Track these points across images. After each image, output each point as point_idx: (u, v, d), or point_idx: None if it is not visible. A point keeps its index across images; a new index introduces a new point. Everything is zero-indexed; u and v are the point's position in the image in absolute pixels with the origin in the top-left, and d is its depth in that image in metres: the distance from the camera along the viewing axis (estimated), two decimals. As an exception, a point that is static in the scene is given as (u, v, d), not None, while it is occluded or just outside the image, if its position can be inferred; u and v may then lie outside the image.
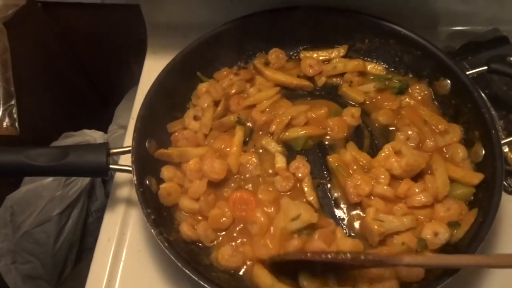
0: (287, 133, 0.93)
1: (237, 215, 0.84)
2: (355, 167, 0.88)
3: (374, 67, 1.02)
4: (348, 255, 0.70)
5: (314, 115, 0.95)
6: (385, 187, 0.83)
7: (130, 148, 0.84)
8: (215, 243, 0.83)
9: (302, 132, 0.92)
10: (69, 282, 1.35)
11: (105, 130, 1.49)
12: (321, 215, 0.83)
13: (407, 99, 0.96)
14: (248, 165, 0.89)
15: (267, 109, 0.96)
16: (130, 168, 0.82)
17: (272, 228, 0.82)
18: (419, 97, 0.96)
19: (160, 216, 0.81)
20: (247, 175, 0.89)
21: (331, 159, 0.89)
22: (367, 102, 0.98)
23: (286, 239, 0.80)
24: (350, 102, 0.98)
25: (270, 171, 0.89)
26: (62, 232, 1.31)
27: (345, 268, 0.74)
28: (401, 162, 0.83)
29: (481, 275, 0.83)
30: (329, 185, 0.88)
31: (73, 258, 1.39)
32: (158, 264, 0.87)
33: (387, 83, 0.98)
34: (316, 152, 0.92)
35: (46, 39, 1.45)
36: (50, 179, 1.27)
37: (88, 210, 1.41)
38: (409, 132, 0.90)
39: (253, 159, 0.89)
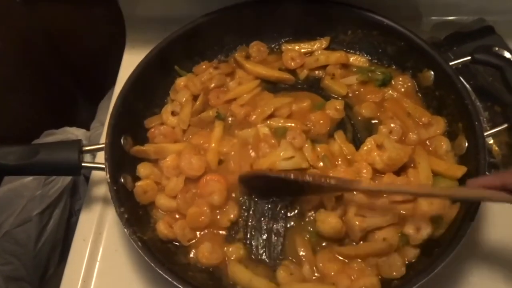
0: (268, 122, 0.90)
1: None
2: (340, 159, 0.85)
3: (357, 59, 1.00)
4: (310, 177, 0.75)
5: (296, 108, 0.93)
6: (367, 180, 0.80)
7: (103, 145, 0.82)
8: (193, 241, 0.81)
9: (285, 124, 0.90)
10: (52, 283, 1.33)
11: (88, 128, 1.47)
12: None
13: (390, 92, 0.94)
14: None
15: (247, 103, 0.94)
16: (104, 166, 0.80)
17: (262, 160, 0.81)
18: (403, 89, 0.94)
19: (135, 215, 0.79)
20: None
21: (319, 148, 0.86)
22: (350, 95, 0.96)
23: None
24: (333, 95, 0.96)
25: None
26: (44, 232, 1.28)
27: (309, 192, 0.78)
28: (383, 156, 0.81)
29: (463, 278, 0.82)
30: None
31: (56, 258, 1.36)
32: (136, 264, 0.84)
33: (370, 75, 0.96)
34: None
35: (26, 36, 1.41)
36: (30, 178, 1.24)
37: (72, 209, 1.38)
38: (392, 125, 0.88)
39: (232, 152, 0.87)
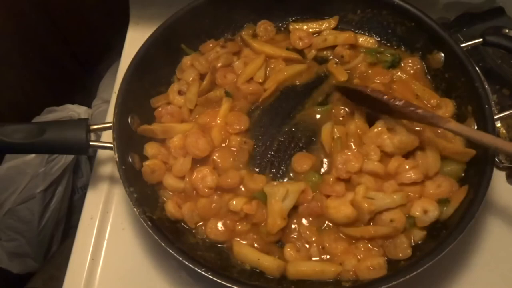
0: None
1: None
2: (353, 140, 0.85)
3: (365, 40, 0.98)
4: (401, 102, 0.79)
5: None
6: (375, 163, 0.80)
7: (111, 124, 0.81)
8: (199, 224, 0.81)
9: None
10: (56, 260, 1.34)
11: (89, 105, 1.45)
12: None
13: (399, 73, 0.93)
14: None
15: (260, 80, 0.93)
16: (112, 145, 0.79)
17: (269, 218, 0.77)
18: (412, 71, 0.93)
19: (143, 194, 0.79)
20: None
21: (336, 129, 0.86)
22: (357, 77, 0.94)
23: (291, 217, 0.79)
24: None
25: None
26: (47, 210, 1.29)
27: (394, 114, 0.81)
28: (394, 139, 0.80)
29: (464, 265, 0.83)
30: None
31: (60, 235, 1.37)
32: (143, 243, 0.85)
33: (378, 56, 0.94)
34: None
35: (25, 11, 1.38)
36: (32, 155, 1.23)
37: (74, 186, 1.39)
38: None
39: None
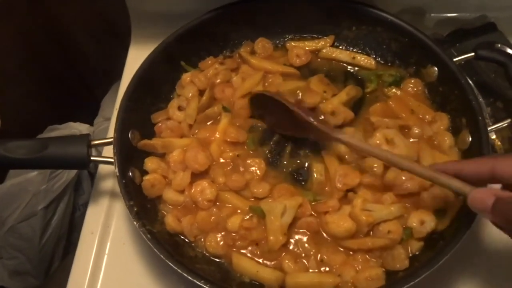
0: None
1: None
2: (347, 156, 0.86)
3: (363, 60, 1.00)
4: (300, 109, 0.83)
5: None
6: (373, 176, 0.81)
7: (112, 139, 0.83)
8: (198, 237, 0.82)
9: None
10: (57, 277, 1.34)
11: (91, 123, 1.47)
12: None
13: (393, 90, 0.95)
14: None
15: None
16: (112, 160, 0.81)
17: (270, 235, 0.78)
18: (412, 92, 0.94)
19: (143, 208, 0.80)
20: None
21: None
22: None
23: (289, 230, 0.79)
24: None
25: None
26: (48, 227, 1.29)
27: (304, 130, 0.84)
28: (393, 152, 0.81)
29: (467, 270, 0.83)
30: (307, 164, 0.88)
31: (61, 252, 1.38)
32: (143, 257, 0.85)
33: (380, 82, 0.96)
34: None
35: (30, 30, 1.42)
36: (34, 172, 1.25)
37: (75, 203, 1.40)
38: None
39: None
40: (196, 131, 0.92)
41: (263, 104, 0.89)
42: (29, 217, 1.26)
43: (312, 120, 0.82)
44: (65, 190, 1.29)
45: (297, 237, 0.80)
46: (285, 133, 0.89)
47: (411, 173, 0.73)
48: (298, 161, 0.88)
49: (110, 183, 0.93)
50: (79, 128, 1.35)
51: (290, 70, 0.99)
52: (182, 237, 0.82)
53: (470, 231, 0.71)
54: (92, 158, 0.81)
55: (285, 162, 0.88)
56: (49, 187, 1.25)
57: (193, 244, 0.81)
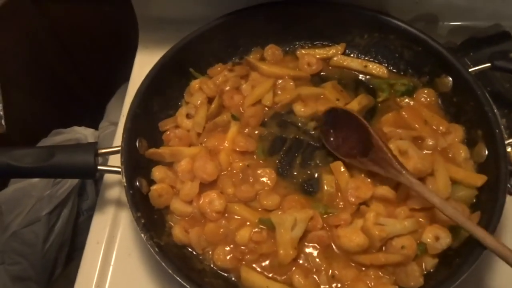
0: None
1: None
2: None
3: (375, 68, 0.98)
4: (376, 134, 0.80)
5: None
6: (386, 188, 0.79)
7: (119, 148, 0.81)
8: (206, 250, 0.80)
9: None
10: (59, 283, 1.32)
11: (96, 127, 1.46)
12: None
13: (406, 100, 0.93)
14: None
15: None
16: (119, 169, 0.79)
17: (280, 249, 0.76)
18: (425, 102, 0.93)
19: (150, 219, 0.78)
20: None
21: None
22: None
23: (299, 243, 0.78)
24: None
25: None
26: (52, 232, 1.27)
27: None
28: (408, 165, 0.79)
29: None
30: (316, 174, 0.86)
31: (64, 258, 1.35)
32: (149, 269, 0.84)
33: (392, 91, 0.94)
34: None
35: (34, 34, 1.40)
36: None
37: (79, 209, 1.38)
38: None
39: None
40: (205, 139, 0.90)
41: (334, 119, 0.87)
42: (32, 223, 1.24)
43: (384, 147, 0.78)
44: (69, 196, 1.27)
45: (307, 251, 0.79)
46: (341, 157, 0.85)
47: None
48: (309, 172, 0.87)
49: (116, 192, 0.92)
50: (84, 132, 1.33)
51: (301, 73, 0.97)
52: (189, 249, 0.80)
53: (487, 250, 0.69)
54: (99, 167, 0.79)
55: (295, 173, 0.87)
56: (53, 192, 1.23)
57: (201, 257, 0.79)
